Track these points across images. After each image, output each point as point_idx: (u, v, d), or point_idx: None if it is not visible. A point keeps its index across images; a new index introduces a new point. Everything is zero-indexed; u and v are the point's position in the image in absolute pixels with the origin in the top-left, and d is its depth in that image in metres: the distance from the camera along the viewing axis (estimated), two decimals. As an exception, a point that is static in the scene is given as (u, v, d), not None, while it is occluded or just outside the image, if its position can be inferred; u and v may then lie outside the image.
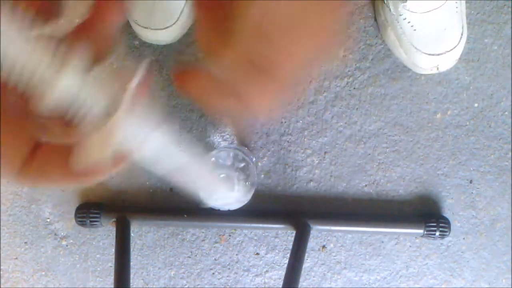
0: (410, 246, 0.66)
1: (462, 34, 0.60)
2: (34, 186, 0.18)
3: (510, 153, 0.65)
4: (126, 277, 0.59)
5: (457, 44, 0.60)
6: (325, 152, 0.66)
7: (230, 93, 0.19)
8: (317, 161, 0.66)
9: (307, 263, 0.67)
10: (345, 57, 0.66)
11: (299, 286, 0.58)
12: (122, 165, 0.18)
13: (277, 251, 0.68)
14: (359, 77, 0.66)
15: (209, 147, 0.67)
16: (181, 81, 0.20)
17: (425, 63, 0.60)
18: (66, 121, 0.16)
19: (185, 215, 0.65)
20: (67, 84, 0.15)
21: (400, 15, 0.60)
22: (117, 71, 0.17)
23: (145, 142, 0.17)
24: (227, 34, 0.17)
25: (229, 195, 0.51)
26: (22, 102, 0.17)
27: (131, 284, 0.61)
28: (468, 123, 0.65)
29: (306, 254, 0.64)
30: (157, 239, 0.69)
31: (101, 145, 0.16)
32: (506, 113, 0.65)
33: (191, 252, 0.68)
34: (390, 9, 0.61)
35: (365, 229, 0.64)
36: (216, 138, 0.67)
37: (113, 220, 0.67)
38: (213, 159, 0.56)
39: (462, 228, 0.66)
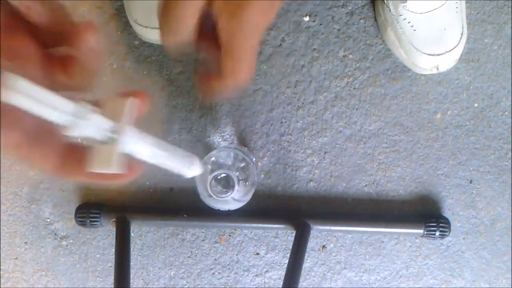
0: (410, 246, 0.66)
1: (462, 34, 0.60)
2: (72, 180, 0.26)
3: (510, 153, 0.65)
4: (126, 277, 0.59)
5: (457, 44, 0.60)
6: (325, 152, 0.66)
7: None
8: (317, 161, 0.66)
9: (307, 263, 0.67)
10: (345, 57, 0.66)
11: (299, 286, 0.58)
12: (125, 169, 0.24)
13: (277, 251, 0.68)
14: (359, 77, 0.66)
15: (209, 147, 0.67)
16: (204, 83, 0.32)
17: (425, 63, 0.60)
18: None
19: (185, 215, 0.65)
20: (89, 126, 0.21)
21: (400, 15, 0.60)
22: (118, 102, 0.23)
23: (141, 150, 0.24)
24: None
25: (228, 195, 0.51)
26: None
27: (131, 284, 0.61)
28: (468, 123, 0.65)
29: (306, 254, 0.64)
30: (157, 239, 0.69)
31: (108, 154, 0.23)
32: (506, 113, 0.65)
33: (191, 252, 0.68)
34: (390, 9, 0.61)
35: (365, 229, 0.64)
36: (216, 138, 0.67)
37: (113, 220, 0.67)
38: (213, 159, 0.56)
39: (462, 228, 0.66)
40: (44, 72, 0.24)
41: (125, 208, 0.67)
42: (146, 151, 0.25)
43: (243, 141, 0.67)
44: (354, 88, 0.66)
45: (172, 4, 0.27)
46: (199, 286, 0.69)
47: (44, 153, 0.23)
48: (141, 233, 0.69)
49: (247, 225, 0.65)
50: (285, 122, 0.66)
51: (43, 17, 0.23)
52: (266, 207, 0.67)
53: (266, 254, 0.68)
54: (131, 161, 0.24)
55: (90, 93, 0.25)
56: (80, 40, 0.23)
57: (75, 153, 0.24)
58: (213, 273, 0.68)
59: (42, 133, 0.23)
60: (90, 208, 0.66)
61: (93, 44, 0.23)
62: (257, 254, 0.68)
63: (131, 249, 0.68)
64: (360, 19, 0.65)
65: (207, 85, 0.33)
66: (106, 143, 0.22)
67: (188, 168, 0.28)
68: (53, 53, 0.24)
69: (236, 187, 0.52)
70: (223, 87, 0.31)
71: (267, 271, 0.68)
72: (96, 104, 0.23)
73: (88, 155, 0.23)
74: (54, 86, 0.23)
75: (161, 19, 0.28)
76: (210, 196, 0.52)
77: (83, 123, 0.21)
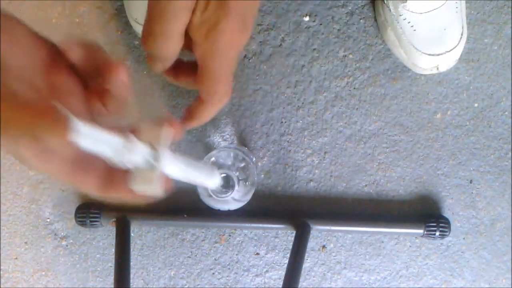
0: (410, 246, 0.66)
1: (462, 34, 0.60)
2: (116, 200, 0.28)
3: (510, 153, 0.65)
4: (126, 277, 0.59)
5: (457, 44, 0.60)
6: (325, 152, 0.66)
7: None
8: (317, 161, 0.66)
9: (307, 263, 0.67)
10: (345, 57, 0.66)
11: (299, 286, 0.58)
12: (164, 186, 0.27)
13: (277, 251, 0.68)
14: (359, 77, 0.66)
15: (209, 147, 0.67)
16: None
17: (425, 63, 0.60)
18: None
19: (185, 215, 0.65)
20: (134, 156, 0.24)
21: (400, 15, 0.60)
22: (154, 130, 0.26)
23: (176, 171, 0.28)
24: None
25: (228, 195, 0.51)
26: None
27: (131, 284, 0.61)
28: (468, 123, 0.65)
29: (306, 254, 0.64)
30: (157, 239, 0.69)
31: (150, 177, 0.26)
32: (506, 113, 0.65)
33: (191, 252, 0.68)
34: (390, 9, 0.61)
35: (365, 229, 0.64)
36: (216, 138, 0.67)
37: (113, 220, 0.67)
38: (213, 159, 0.56)
39: (462, 228, 0.66)
40: (84, 102, 0.27)
41: (125, 208, 0.67)
42: (180, 172, 0.29)
43: (243, 141, 0.67)
44: (354, 88, 0.66)
45: (157, 32, 0.28)
46: (199, 286, 0.69)
47: (87, 177, 0.26)
48: (141, 233, 0.69)
49: (247, 225, 0.65)
50: (285, 122, 0.66)
51: (82, 56, 0.26)
52: (266, 207, 0.67)
53: (266, 254, 0.68)
54: (164, 178, 0.27)
55: (122, 119, 0.29)
56: (113, 76, 0.26)
57: (114, 174, 0.27)
58: (213, 273, 0.68)
59: (85, 159, 0.25)
60: (90, 208, 0.66)
61: (124, 79, 0.26)
62: (257, 254, 0.68)
63: (131, 249, 0.68)
64: (360, 19, 0.65)
65: (190, 113, 0.34)
66: (147, 166, 0.26)
67: (209, 180, 0.31)
68: (89, 84, 0.28)
69: (236, 187, 0.52)
70: (203, 111, 0.33)
71: (267, 271, 0.68)
72: (131, 130, 0.27)
73: (130, 177, 0.26)
74: (91, 114, 0.27)
75: (147, 47, 0.30)
76: (210, 196, 0.52)
77: (130, 154, 0.24)
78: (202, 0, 0.27)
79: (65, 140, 0.20)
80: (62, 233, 0.70)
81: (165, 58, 0.30)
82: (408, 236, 0.66)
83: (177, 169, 0.28)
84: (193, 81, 0.33)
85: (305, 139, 0.66)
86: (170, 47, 0.29)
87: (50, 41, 0.27)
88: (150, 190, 0.26)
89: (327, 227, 0.64)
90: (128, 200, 0.27)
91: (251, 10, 0.30)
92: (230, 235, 0.68)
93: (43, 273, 0.70)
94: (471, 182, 0.66)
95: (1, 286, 0.70)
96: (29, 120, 0.20)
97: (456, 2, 0.60)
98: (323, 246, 0.67)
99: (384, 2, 0.61)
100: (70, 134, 0.20)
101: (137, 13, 0.61)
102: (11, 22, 0.24)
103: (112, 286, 0.61)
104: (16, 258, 0.70)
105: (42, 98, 0.24)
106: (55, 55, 0.26)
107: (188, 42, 0.30)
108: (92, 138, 0.22)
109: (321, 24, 0.66)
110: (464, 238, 0.66)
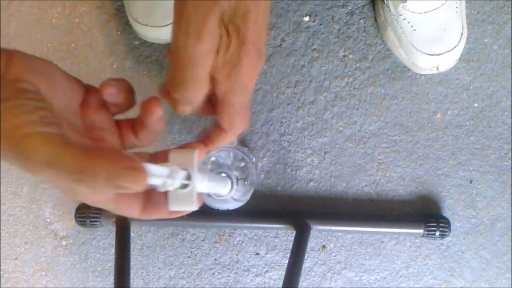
0: (410, 246, 0.66)
1: (462, 34, 0.60)
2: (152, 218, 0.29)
3: (510, 153, 0.65)
4: (126, 277, 0.59)
5: (457, 44, 0.60)
6: (325, 152, 0.66)
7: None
8: (317, 161, 0.66)
9: (307, 263, 0.67)
10: (345, 57, 0.66)
11: (299, 286, 0.58)
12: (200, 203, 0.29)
13: (277, 251, 0.68)
14: (359, 77, 0.66)
15: (209, 147, 0.67)
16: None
17: (425, 63, 0.60)
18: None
19: (185, 215, 0.65)
20: (176, 181, 0.27)
21: (400, 15, 0.60)
22: (184, 154, 0.29)
23: (204, 187, 0.31)
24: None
25: (228, 194, 0.51)
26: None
27: (131, 284, 0.61)
28: (468, 123, 0.65)
29: (306, 254, 0.64)
30: (157, 239, 0.69)
31: (187, 196, 0.29)
32: (506, 113, 0.65)
33: (191, 252, 0.68)
34: (390, 9, 0.61)
35: (365, 229, 0.64)
36: (216, 138, 0.67)
37: (113, 220, 0.67)
38: (213, 158, 0.56)
39: (462, 228, 0.66)
40: (117, 135, 0.29)
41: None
42: (207, 187, 0.31)
43: (243, 141, 0.67)
44: (354, 88, 0.66)
45: (187, 78, 0.29)
46: (199, 286, 0.69)
47: (131, 203, 0.28)
48: (141, 233, 0.69)
49: (247, 225, 0.65)
50: (285, 122, 0.66)
51: (114, 92, 0.28)
52: (266, 207, 0.67)
53: (266, 254, 0.68)
54: (197, 195, 0.29)
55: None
56: (152, 111, 0.28)
57: (151, 197, 0.29)
58: (213, 273, 0.68)
59: None
60: (90, 208, 0.66)
61: (159, 114, 0.28)
62: (257, 254, 0.68)
63: (131, 249, 0.68)
64: (360, 19, 0.65)
65: (210, 138, 0.36)
66: (181, 187, 0.28)
67: (224, 188, 0.34)
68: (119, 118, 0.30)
69: (235, 187, 0.52)
70: (224, 138, 0.35)
71: (267, 271, 0.68)
72: (161, 156, 0.30)
73: (168, 199, 0.28)
74: (124, 146, 0.30)
75: (178, 95, 0.31)
76: (209, 195, 0.52)
77: (173, 180, 0.26)
78: (224, 40, 0.28)
79: (144, 185, 0.22)
80: (62, 233, 0.70)
81: (195, 101, 0.31)
82: (408, 236, 0.66)
83: (205, 185, 0.31)
84: (210, 112, 0.34)
85: (305, 139, 0.66)
86: (200, 91, 0.31)
87: (81, 82, 0.29)
88: (187, 207, 0.29)
89: (327, 227, 0.64)
90: (166, 217, 0.30)
91: (264, 36, 0.31)
92: (230, 235, 0.68)
93: (43, 273, 0.70)
94: (471, 182, 0.66)
95: (1, 286, 0.71)
96: (109, 172, 0.21)
97: (456, 2, 0.60)
98: (323, 246, 0.67)
99: (384, 2, 0.61)
100: (148, 180, 0.22)
101: (137, 13, 0.61)
102: (50, 69, 0.26)
103: (112, 286, 0.61)
104: (16, 258, 0.71)
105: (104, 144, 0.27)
106: (87, 93, 0.28)
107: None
108: (153, 175, 0.24)
109: (321, 24, 0.66)
110: (464, 238, 0.66)
